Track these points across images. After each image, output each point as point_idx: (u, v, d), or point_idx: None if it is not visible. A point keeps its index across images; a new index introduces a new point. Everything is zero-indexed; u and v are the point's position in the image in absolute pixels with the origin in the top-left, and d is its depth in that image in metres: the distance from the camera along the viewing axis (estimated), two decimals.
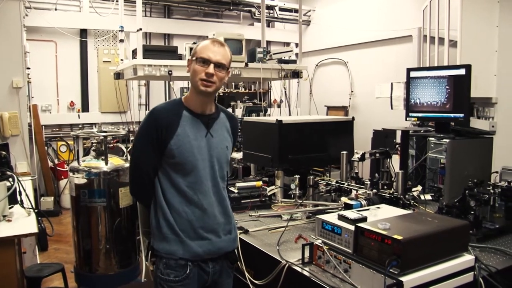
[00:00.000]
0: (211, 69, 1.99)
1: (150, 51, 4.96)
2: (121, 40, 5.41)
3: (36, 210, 2.88)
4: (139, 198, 2.24)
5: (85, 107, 7.85)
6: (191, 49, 5.01)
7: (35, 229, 2.57)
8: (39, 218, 2.87)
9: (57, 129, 7.63)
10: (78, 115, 7.76)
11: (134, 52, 5.11)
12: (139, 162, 2.08)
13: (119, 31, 5.40)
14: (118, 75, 5.61)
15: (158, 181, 2.05)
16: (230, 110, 5.17)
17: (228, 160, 2.21)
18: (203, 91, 2.01)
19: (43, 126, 7.29)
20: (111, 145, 5.77)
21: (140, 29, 4.74)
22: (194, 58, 2.04)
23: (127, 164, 3.79)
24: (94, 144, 3.95)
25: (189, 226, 2.02)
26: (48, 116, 7.52)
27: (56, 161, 7.52)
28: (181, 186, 2.02)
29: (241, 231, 2.50)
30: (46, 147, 7.31)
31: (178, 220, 2.01)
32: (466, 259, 1.82)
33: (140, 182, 2.10)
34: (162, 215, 2.03)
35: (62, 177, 7.24)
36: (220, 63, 2.01)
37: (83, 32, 7.73)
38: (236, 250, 2.23)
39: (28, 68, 6.13)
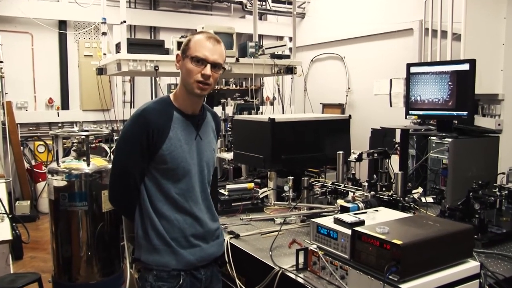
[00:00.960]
0: (208, 70, 1.93)
1: (135, 45, 4.94)
2: (104, 33, 5.38)
3: (10, 216, 2.85)
4: (122, 208, 2.19)
5: (65, 105, 7.80)
6: (178, 43, 4.99)
7: (8, 236, 2.54)
8: (14, 224, 2.84)
9: (34, 128, 7.57)
10: (58, 113, 7.71)
11: (117, 46, 5.09)
12: (126, 167, 2.02)
13: (102, 23, 5.38)
14: (101, 71, 5.59)
15: (145, 187, 2.02)
16: (220, 108, 5.17)
17: (215, 163, 2.21)
18: (198, 94, 1.98)
19: (19, 125, 7.24)
20: (94, 145, 5.75)
21: (124, 21, 4.72)
22: (187, 56, 1.96)
23: (111, 165, 3.78)
24: (75, 144, 3.91)
25: (180, 235, 2.00)
26: (24, 114, 7.46)
27: (33, 162, 7.46)
28: (170, 193, 1.99)
29: (231, 236, 2.49)
30: (22, 147, 7.25)
31: (168, 229, 1.99)
32: (471, 265, 1.81)
33: (125, 189, 2.05)
34: (150, 224, 2.00)
35: (40, 179, 7.18)
36: (217, 63, 1.96)
37: (62, 24, 7.67)
38: (223, 254, 2.25)
39: (1, 62, 6.08)
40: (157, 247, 1.99)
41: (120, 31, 4.81)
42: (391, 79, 5.28)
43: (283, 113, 7.41)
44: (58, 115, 7.70)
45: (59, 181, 3.72)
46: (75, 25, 7.83)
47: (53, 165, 3.84)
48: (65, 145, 5.20)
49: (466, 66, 2.86)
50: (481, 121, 3.98)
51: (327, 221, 2.01)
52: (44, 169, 7.06)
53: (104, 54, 5.46)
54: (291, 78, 7.78)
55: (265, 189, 3.24)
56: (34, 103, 7.61)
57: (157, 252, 2.00)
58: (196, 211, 2.04)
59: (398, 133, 3.45)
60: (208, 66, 1.93)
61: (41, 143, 7.56)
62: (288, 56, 6.04)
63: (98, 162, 3.87)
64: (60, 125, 7.60)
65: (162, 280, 1.99)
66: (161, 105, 2.03)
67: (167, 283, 1.99)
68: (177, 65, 2.03)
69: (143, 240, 2.03)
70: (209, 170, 2.13)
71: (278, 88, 7.90)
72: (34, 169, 7.28)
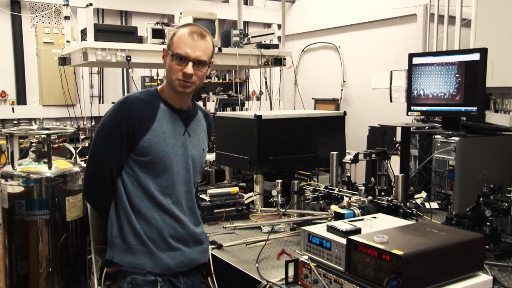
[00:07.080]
0: (189, 68, 2.02)
1: (103, 32, 4.91)
2: (67, 17, 5.35)
3: None
4: (95, 202, 2.26)
5: (21, 99, 7.66)
6: (154, 30, 4.98)
7: None
8: None
9: None
10: (12, 108, 7.56)
11: (83, 33, 5.07)
12: (101, 158, 2.10)
13: (64, 5, 5.33)
14: (64, 60, 5.55)
15: (122, 181, 2.09)
16: (201, 103, 5.17)
17: (202, 164, 2.31)
18: (181, 92, 2.08)
19: None
20: (56, 145, 5.68)
21: (91, 4, 4.69)
22: (169, 52, 2.05)
23: (76, 168, 3.74)
24: (34, 144, 3.87)
25: (158, 235, 2.07)
26: None
27: None
28: (149, 189, 2.08)
29: (214, 246, 2.50)
30: None
31: (145, 228, 2.07)
32: (482, 279, 1.83)
33: (99, 182, 2.13)
34: (126, 221, 2.07)
35: None
36: (200, 60, 2.04)
37: (15, 4, 7.47)
38: (208, 262, 2.30)
39: None
40: (132, 246, 2.06)
41: (86, 15, 4.78)
42: (391, 71, 5.31)
43: (271, 109, 7.42)
44: (13, 111, 7.55)
45: (14, 187, 3.67)
46: (32, 6, 7.67)
47: (7, 168, 3.79)
48: (22, 146, 5.13)
49: (476, 56, 2.88)
50: (493, 118, 3.98)
51: (319, 229, 2.01)
52: None
53: (68, 41, 5.42)
54: (280, 71, 7.80)
55: (251, 194, 3.24)
56: None
57: (132, 252, 2.06)
58: (176, 211, 2.11)
59: (398, 131, 3.48)
60: (190, 64, 2.03)
61: None
62: (276, 46, 6.05)
63: (61, 165, 3.82)
64: (15, 122, 7.47)
65: (137, 286, 2.05)
66: (146, 95, 2.14)
67: None
68: (163, 61, 2.13)
69: (117, 239, 2.09)
70: (196, 170, 2.22)
71: (266, 82, 7.91)
72: None
